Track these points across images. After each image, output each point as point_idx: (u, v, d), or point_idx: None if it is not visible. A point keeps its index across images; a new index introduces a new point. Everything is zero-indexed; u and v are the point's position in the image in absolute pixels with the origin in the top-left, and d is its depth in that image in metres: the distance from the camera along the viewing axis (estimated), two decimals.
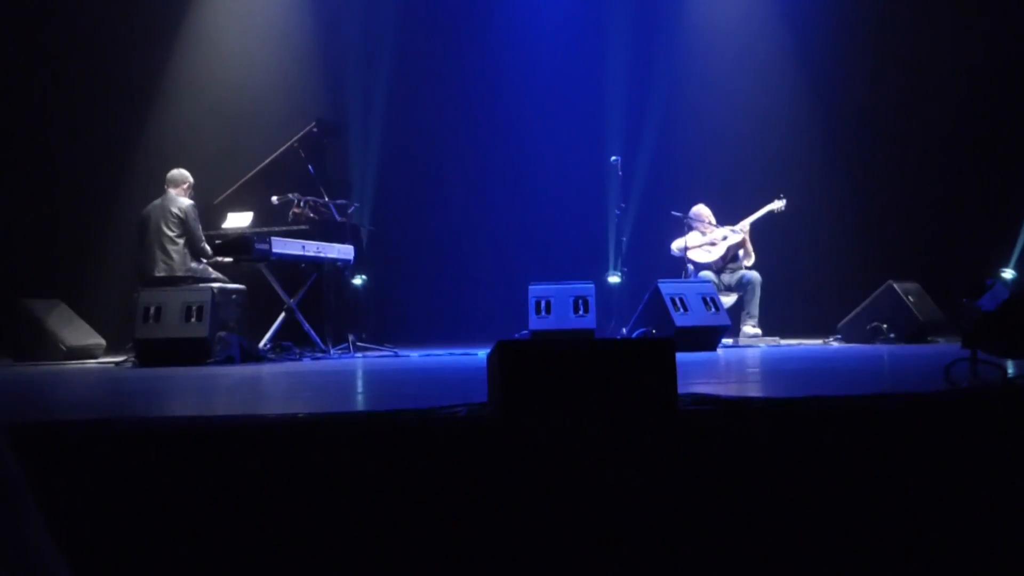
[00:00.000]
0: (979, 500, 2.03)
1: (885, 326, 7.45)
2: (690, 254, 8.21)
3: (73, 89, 9.47)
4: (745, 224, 8.26)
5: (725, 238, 8.27)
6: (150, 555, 1.90)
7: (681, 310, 6.81)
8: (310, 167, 8.19)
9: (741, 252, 8.27)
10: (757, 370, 4.60)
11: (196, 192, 7.31)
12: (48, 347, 7.56)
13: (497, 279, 9.55)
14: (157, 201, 7.01)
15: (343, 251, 7.60)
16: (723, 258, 8.28)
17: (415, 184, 10.41)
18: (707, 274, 8.15)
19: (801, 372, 4.40)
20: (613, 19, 10.32)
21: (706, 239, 8.33)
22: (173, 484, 1.96)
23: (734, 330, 7.79)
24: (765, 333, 7.94)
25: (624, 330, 7.36)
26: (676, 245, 8.37)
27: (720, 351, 6.79)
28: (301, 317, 7.21)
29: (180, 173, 7.18)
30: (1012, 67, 8.99)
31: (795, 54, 9.92)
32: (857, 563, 1.98)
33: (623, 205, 8.76)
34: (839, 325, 7.87)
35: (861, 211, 9.52)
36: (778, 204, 8.19)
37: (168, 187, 7.09)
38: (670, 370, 2.16)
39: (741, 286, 8.07)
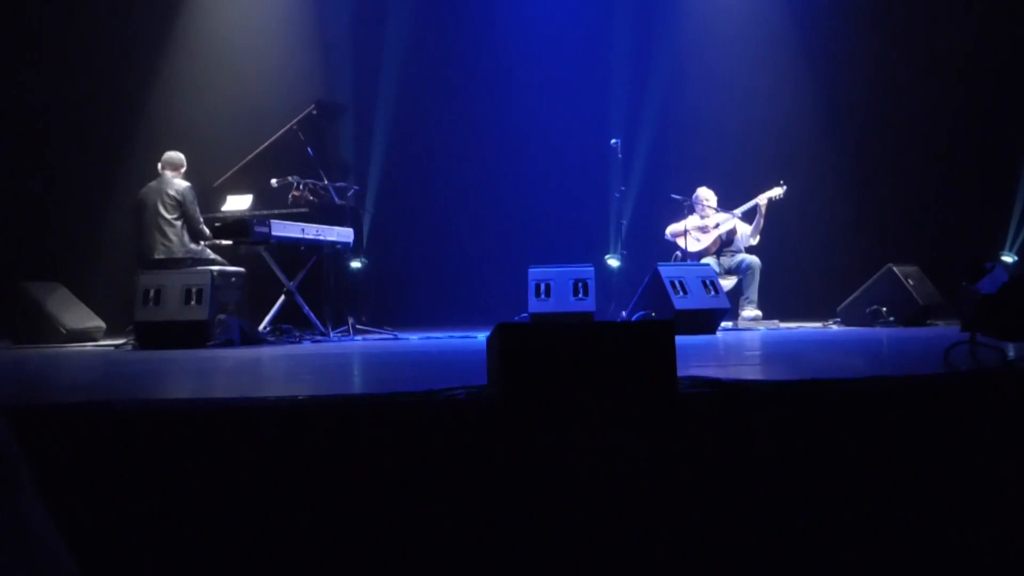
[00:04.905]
0: (979, 483, 2.03)
1: (885, 309, 7.46)
2: (680, 241, 8.19)
3: (72, 72, 9.42)
4: (754, 204, 8.16)
5: (717, 226, 8.25)
6: (150, 538, 1.90)
7: (681, 293, 6.81)
8: (309, 149, 8.17)
9: (738, 236, 8.24)
10: (756, 353, 4.61)
11: (196, 175, 7.30)
12: (48, 330, 7.57)
13: (497, 262, 9.55)
14: (153, 183, 7.00)
15: (342, 234, 7.59)
16: (715, 244, 8.24)
17: (415, 167, 10.39)
18: (708, 259, 8.14)
19: (800, 355, 4.40)
20: (614, 1, 10.27)
21: (701, 224, 8.30)
22: (173, 467, 1.96)
23: (732, 314, 7.79)
24: (765, 316, 7.94)
25: (624, 313, 7.36)
26: (670, 229, 8.36)
27: (719, 334, 6.80)
28: (301, 300, 7.20)
29: (176, 156, 7.17)
30: (1009, 54, 8.96)
31: (796, 39, 9.88)
32: (856, 546, 1.99)
33: (623, 188, 8.75)
34: (839, 308, 7.88)
35: (861, 194, 9.51)
36: (777, 191, 8.13)
37: (164, 169, 7.08)
38: (669, 353, 2.16)
39: (741, 270, 8.06)
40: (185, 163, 7.18)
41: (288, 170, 7.81)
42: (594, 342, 2.15)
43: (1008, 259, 8.66)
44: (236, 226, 7.04)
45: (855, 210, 9.47)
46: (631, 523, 1.96)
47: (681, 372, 2.26)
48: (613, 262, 8.77)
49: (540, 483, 1.97)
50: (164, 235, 6.83)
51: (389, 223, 9.88)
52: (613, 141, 8.58)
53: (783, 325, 7.86)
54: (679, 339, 2.23)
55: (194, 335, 6.26)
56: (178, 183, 6.97)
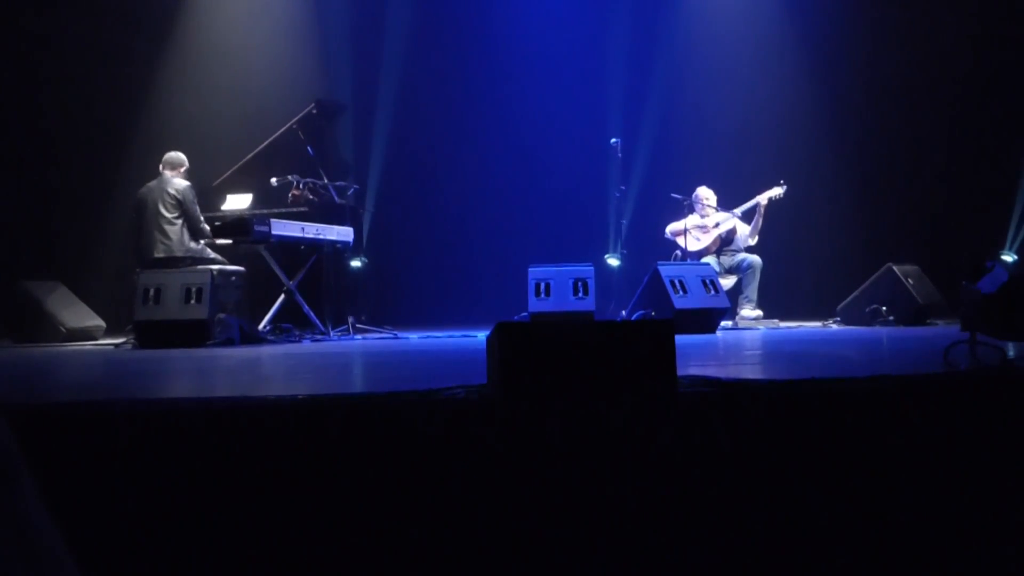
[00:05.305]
0: (978, 482, 2.03)
1: (884, 308, 7.46)
2: (680, 240, 8.19)
3: (72, 72, 9.42)
4: (755, 203, 8.13)
5: (717, 225, 8.24)
6: (150, 538, 1.90)
7: (680, 292, 6.81)
8: (309, 149, 8.17)
9: (738, 236, 8.24)
10: (756, 352, 4.61)
11: (195, 174, 7.30)
12: (48, 329, 7.57)
13: (497, 261, 9.56)
14: (153, 183, 7.01)
15: (342, 233, 7.59)
16: (715, 243, 8.23)
17: (415, 167, 10.39)
18: (708, 258, 8.13)
19: (800, 354, 4.40)
20: (614, 1, 10.27)
21: (701, 223, 8.29)
22: (173, 466, 1.96)
23: (732, 313, 7.78)
24: (765, 315, 7.94)
25: (624, 312, 7.36)
26: (670, 228, 8.35)
27: (719, 333, 6.80)
28: (300, 299, 7.20)
29: (176, 156, 7.18)
30: (1009, 54, 8.96)
31: (796, 38, 9.88)
32: (856, 545, 1.99)
33: (623, 187, 8.75)
34: (838, 307, 7.88)
35: (861, 194, 9.51)
36: (777, 191, 8.11)
37: (164, 169, 7.10)
38: (669, 352, 2.16)
39: (742, 269, 8.05)
40: (186, 163, 7.18)
41: (288, 169, 7.81)
42: (594, 341, 2.15)
43: (1008, 259, 8.66)
44: (236, 225, 7.03)
45: (855, 210, 9.46)
46: (631, 522, 1.96)
47: (681, 372, 2.26)
48: (613, 261, 8.77)
49: (540, 482, 1.97)
50: (164, 234, 6.83)
51: (389, 223, 9.88)
52: (613, 141, 8.57)
53: (783, 324, 7.86)
54: (679, 338, 2.23)
55: (194, 334, 6.26)
56: (178, 182, 6.97)
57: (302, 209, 7.78)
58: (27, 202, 9.23)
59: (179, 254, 6.82)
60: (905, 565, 1.98)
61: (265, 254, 7.22)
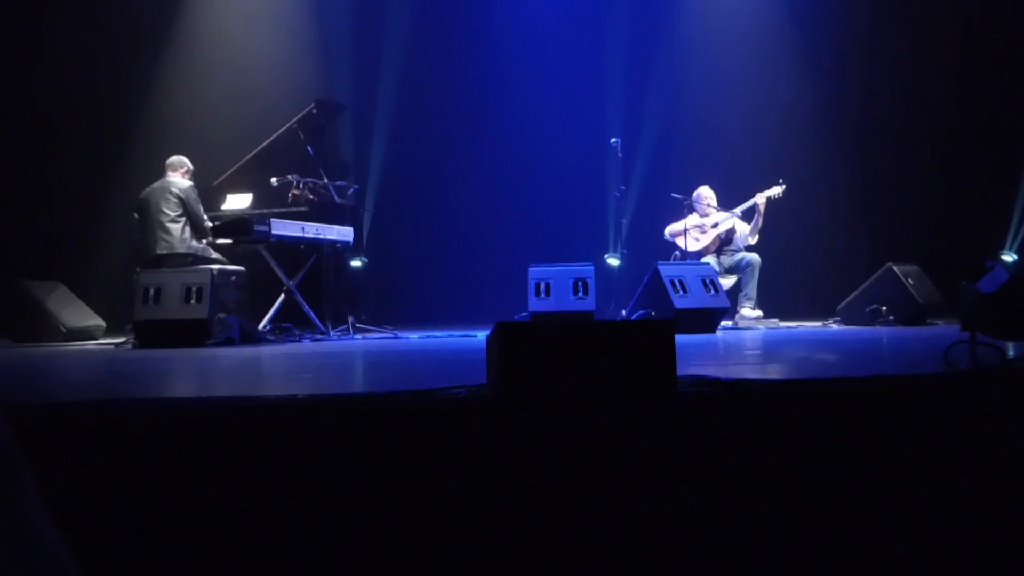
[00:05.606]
0: (978, 482, 2.03)
1: (884, 308, 7.46)
2: (679, 241, 8.18)
3: (72, 72, 9.43)
4: (753, 203, 8.13)
5: (715, 225, 8.24)
6: (149, 536, 1.90)
7: (680, 292, 6.81)
8: (309, 148, 8.17)
9: (738, 235, 8.23)
10: (756, 352, 4.60)
11: (196, 174, 7.32)
12: (48, 328, 7.58)
13: (497, 261, 9.56)
14: (156, 183, 7.04)
15: (342, 232, 7.59)
16: (714, 243, 8.22)
17: (415, 166, 10.39)
18: (708, 258, 8.13)
19: (800, 354, 4.40)
20: (615, 0, 10.27)
21: (700, 223, 8.28)
22: (172, 466, 1.96)
23: (732, 312, 7.78)
24: (765, 315, 7.93)
25: (624, 312, 7.36)
26: (669, 229, 8.35)
27: (719, 333, 6.79)
28: (301, 299, 7.21)
29: (179, 159, 7.23)
30: (1009, 53, 8.96)
31: (796, 38, 9.89)
32: (856, 546, 1.99)
33: (623, 187, 8.75)
34: (838, 307, 7.88)
35: (861, 193, 9.51)
36: (776, 190, 8.11)
37: (167, 170, 7.13)
38: (669, 352, 2.16)
39: (740, 268, 8.05)
40: (189, 165, 7.21)
41: (288, 169, 7.81)
42: (594, 341, 2.15)
43: (1008, 258, 8.67)
44: (236, 224, 7.04)
45: (855, 209, 9.47)
46: (631, 522, 1.96)
47: (681, 371, 2.26)
48: (613, 261, 8.77)
49: (540, 482, 1.97)
50: (166, 231, 6.86)
51: (389, 222, 9.89)
52: (613, 140, 8.57)
53: (783, 324, 7.86)
54: (679, 338, 2.23)
55: (194, 334, 6.26)
56: (180, 182, 7.01)
57: (302, 209, 7.78)
58: (27, 202, 9.24)
59: (181, 250, 6.84)
60: (905, 565, 1.98)
61: (265, 254, 7.23)
